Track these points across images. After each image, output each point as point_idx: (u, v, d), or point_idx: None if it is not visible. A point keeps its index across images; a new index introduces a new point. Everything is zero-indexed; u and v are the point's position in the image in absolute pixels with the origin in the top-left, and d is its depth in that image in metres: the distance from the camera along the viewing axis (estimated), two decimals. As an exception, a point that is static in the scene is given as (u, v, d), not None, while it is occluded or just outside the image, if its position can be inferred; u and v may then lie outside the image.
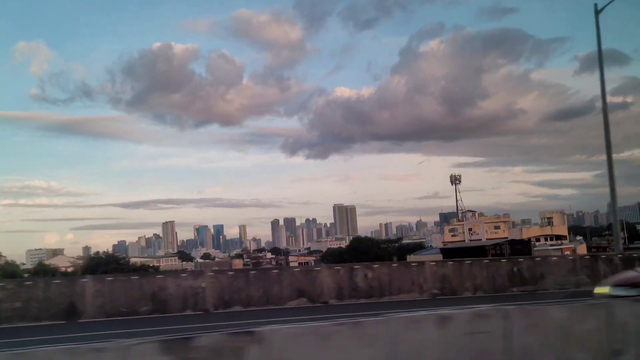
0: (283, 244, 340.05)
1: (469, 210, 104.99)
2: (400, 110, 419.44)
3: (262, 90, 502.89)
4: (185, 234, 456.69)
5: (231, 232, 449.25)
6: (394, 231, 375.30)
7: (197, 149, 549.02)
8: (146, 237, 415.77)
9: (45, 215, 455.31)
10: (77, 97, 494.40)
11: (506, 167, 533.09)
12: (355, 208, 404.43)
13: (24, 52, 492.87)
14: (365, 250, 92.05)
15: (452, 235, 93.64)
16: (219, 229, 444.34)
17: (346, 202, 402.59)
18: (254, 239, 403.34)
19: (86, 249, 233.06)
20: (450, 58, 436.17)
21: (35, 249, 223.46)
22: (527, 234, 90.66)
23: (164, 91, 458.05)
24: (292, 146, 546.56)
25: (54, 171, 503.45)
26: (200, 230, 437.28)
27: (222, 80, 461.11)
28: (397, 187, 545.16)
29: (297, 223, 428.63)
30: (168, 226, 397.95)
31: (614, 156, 26.06)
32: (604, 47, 25.51)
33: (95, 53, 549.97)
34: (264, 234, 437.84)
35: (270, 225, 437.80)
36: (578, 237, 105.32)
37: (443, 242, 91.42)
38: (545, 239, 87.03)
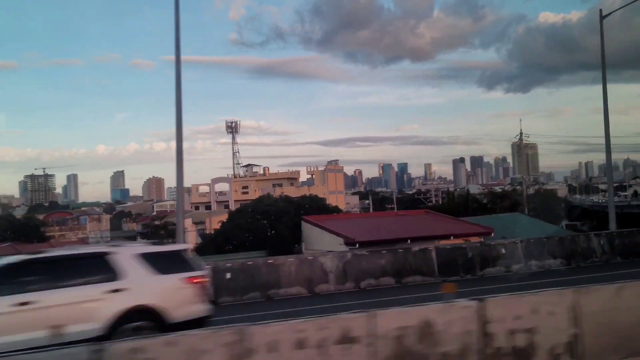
0: (463, 183, 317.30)
1: (249, 164, 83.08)
2: (615, 33, 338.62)
3: (454, 21, 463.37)
4: (372, 172, 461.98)
5: (416, 171, 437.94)
6: (596, 171, 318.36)
7: (391, 86, 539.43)
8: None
9: (257, 153, 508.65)
10: (271, 39, 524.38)
11: None
12: (536, 145, 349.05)
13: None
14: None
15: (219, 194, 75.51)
16: (402, 167, 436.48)
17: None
18: (439, 178, 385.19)
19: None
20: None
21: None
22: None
23: (352, 29, 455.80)
24: (489, 80, 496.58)
25: (261, 111, 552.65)
26: (384, 168, 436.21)
27: (411, 13, 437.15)
28: (616, 122, 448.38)
29: (485, 161, 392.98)
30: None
31: None
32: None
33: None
34: (449, 171, 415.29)
35: (454, 163, 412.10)
36: None
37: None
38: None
